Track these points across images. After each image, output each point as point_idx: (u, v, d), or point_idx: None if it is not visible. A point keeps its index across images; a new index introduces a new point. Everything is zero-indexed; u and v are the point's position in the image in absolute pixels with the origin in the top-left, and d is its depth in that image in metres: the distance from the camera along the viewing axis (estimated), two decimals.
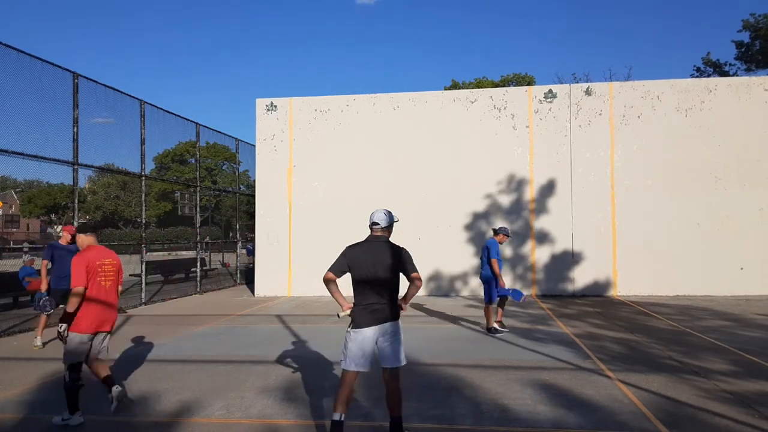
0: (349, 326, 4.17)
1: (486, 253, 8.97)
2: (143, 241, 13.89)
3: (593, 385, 5.78)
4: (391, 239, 4.43)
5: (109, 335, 5.15)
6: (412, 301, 5.62)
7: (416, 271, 4.22)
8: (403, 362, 4.25)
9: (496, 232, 9.18)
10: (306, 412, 5.07)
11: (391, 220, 4.40)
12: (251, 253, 21.00)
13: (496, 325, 8.85)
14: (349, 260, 4.22)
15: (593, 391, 5.59)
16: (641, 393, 5.48)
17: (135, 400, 5.46)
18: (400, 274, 4.26)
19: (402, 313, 4.29)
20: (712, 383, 5.79)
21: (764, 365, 6.54)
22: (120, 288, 5.25)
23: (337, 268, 4.22)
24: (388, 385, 4.20)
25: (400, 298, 4.29)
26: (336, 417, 3.99)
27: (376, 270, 4.14)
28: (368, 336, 4.08)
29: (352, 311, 4.18)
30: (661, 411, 4.95)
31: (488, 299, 8.92)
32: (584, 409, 5.04)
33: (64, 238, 8.16)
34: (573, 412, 4.98)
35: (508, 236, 9.15)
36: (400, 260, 4.22)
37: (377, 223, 4.36)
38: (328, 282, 4.15)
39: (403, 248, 4.33)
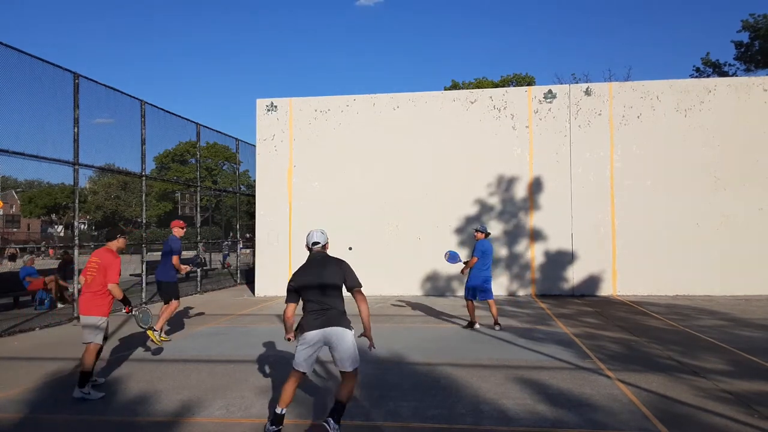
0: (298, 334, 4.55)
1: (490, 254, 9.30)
2: (144, 241, 13.90)
3: (593, 385, 5.79)
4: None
5: (86, 319, 5.87)
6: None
7: (360, 285, 4.50)
8: (354, 367, 4.43)
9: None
10: (305, 412, 5.09)
11: (327, 239, 4.74)
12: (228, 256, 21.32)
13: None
14: (296, 284, 4.51)
15: (593, 390, 5.60)
16: (641, 392, 5.49)
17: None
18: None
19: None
20: (712, 383, 5.81)
21: (763, 365, 6.56)
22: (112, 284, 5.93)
23: (292, 297, 4.53)
24: (342, 381, 4.49)
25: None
26: (277, 410, 4.48)
27: (324, 281, 4.45)
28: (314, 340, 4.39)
29: (300, 321, 4.48)
30: (660, 410, 4.96)
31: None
32: (584, 409, 5.05)
33: (179, 232, 8.66)
34: (572, 411, 4.99)
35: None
36: (346, 271, 4.53)
37: (317, 243, 4.67)
38: (288, 313, 4.50)
39: (344, 260, 4.64)
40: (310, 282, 4.45)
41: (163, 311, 8.35)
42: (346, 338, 4.35)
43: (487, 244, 9.22)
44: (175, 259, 8.24)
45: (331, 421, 4.23)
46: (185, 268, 8.52)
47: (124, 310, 6.34)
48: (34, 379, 6.38)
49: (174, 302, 8.32)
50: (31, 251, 18.94)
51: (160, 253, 9.05)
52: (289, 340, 4.53)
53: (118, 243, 6.29)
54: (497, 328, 9.12)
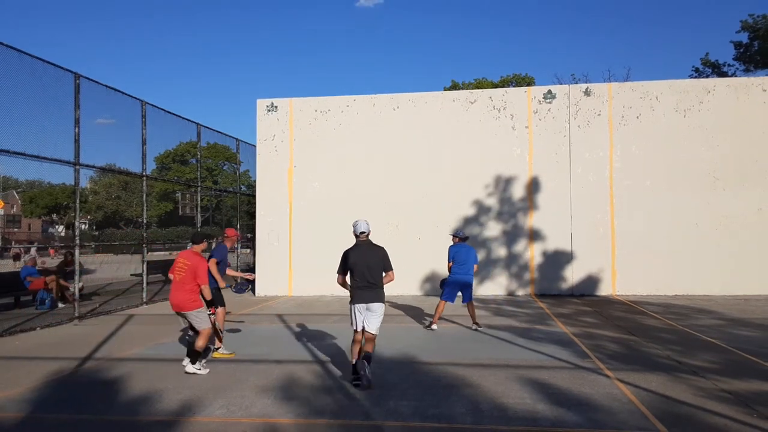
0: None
1: (473, 257, 9.30)
2: (144, 241, 13.92)
3: (592, 384, 5.81)
4: (398, 238, 6.00)
5: (188, 314, 6.57)
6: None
7: (391, 269, 6.06)
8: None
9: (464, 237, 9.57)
10: (306, 411, 5.10)
11: (370, 228, 6.20)
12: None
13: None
14: (348, 262, 6.01)
15: (592, 390, 5.62)
16: (640, 392, 5.51)
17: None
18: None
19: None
20: (711, 382, 5.83)
21: (762, 365, 6.58)
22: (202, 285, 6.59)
23: (343, 270, 6.12)
24: (364, 339, 6.01)
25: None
26: (353, 361, 5.98)
27: (371, 264, 5.95)
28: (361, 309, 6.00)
29: (350, 292, 6.06)
30: (659, 410, 4.98)
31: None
32: (583, 408, 5.07)
33: (231, 241, 8.31)
34: (572, 411, 5.01)
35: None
36: (385, 256, 6.07)
37: (364, 232, 6.12)
38: (340, 281, 6.15)
39: (383, 248, 6.11)
40: (360, 263, 5.93)
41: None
42: (379, 310, 5.95)
43: (454, 248, 9.31)
44: (211, 263, 7.47)
45: (365, 364, 5.70)
46: (223, 282, 7.73)
47: (209, 311, 6.79)
48: (35, 378, 6.39)
49: (220, 310, 7.63)
50: (26, 250, 18.92)
51: (160, 253, 8.94)
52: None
53: (203, 246, 6.93)
54: (474, 327, 9.19)
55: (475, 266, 9.38)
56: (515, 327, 9.40)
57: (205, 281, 6.55)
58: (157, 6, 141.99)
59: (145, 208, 14.43)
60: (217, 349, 7.49)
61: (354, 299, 5.95)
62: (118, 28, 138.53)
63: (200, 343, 6.54)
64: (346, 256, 6.06)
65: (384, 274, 6.00)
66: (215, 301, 7.56)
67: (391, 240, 14.44)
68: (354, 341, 6.06)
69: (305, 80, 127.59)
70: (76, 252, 11.13)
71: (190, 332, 6.90)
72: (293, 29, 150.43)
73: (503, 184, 14.33)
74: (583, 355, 7.19)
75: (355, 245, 6.09)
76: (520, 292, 14.13)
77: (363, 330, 5.92)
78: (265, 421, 4.87)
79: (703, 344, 7.79)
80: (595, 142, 14.04)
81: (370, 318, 5.90)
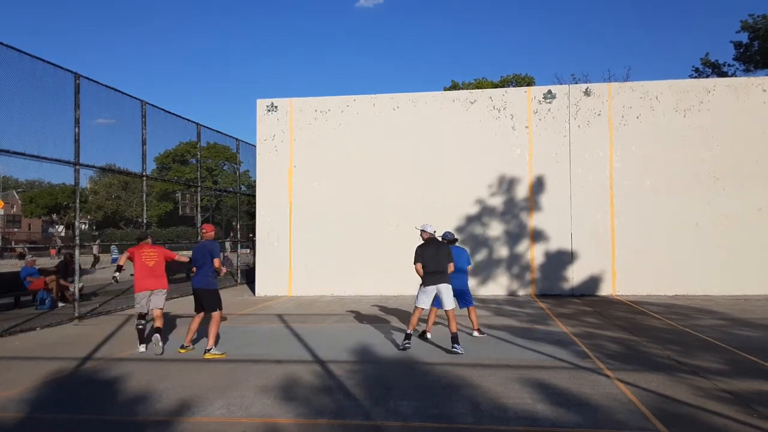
0: (420, 285, 7.62)
1: (463, 260, 8.65)
2: None
3: (592, 384, 5.81)
4: (399, 237, 7.41)
5: (156, 293, 7.95)
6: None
7: (452, 261, 7.69)
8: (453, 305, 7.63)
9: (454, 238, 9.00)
10: (306, 411, 5.10)
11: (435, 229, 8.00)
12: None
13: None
14: (422, 255, 7.55)
15: (592, 390, 5.62)
16: (640, 392, 5.51)
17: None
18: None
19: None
20: (711, 382, 5.82)
21: (762, 365, 6.57)
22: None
23: (419, 260, 7.58)
24: (447, 317, 7.56)
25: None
26: (408, 331, 7.69)
27: (439, 256, 7.54)
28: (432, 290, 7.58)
29: (423, 277, 7.57)
30: (659, 410, 4.98)
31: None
32: (583, 408, 5.07)
33: (209, 235, 7.84)
34: (572, 411, 5.01)
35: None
36: (449, 251, 7.73)
37: (435, 231, 7.89)
38: (418, 268, 7.57)
39: (447, 245, 7.90)
40: (432, 256, 7.48)
41: (210, 327, 7.45)
42: (449, 289, 7.48)
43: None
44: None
45: (457, 346, 7.21)
46: (224, 270, 8.10)
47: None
48: (35, 378, 6.39)
49: (215, 313, 7.47)
50: (27, 250, 18.92)
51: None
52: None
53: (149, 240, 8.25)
54: (475, 334, 8.62)
55: (468, 268, 8.75)
56: (515, 327, 9.40)
57: (173, 257, 8.30)
58: (157, 7, 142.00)
59: (145, 208, 14.43)
60: (209, 350, 7.38)
61: (425, 283, 7.45)
62: (119, 30, 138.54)
63: (161, 323, 7.81)
64: (420, 250, 7.56)
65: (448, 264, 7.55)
66: (216, 304, 7.54)
67: (391, 240, 14.47)
68: (414, 314, 7.60)
69: (305, 80, 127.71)
70: (76, 252, 11.13)
71: (143, 321, 7.85)
72: (293, 29, 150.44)
73: (504, 184, 14.33)
74: (584, 355, 7.19)
75: (425, 243, 7.67)
76: (521, 292, 14.13)
77: (421, 308, 7.55)
78: (265, 421, 4.87)
79: (703, 344, 7.79)
80: (595, 142, 14.04)
81: (444, 298, 7.42)
